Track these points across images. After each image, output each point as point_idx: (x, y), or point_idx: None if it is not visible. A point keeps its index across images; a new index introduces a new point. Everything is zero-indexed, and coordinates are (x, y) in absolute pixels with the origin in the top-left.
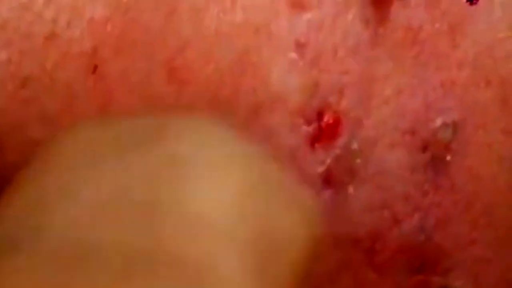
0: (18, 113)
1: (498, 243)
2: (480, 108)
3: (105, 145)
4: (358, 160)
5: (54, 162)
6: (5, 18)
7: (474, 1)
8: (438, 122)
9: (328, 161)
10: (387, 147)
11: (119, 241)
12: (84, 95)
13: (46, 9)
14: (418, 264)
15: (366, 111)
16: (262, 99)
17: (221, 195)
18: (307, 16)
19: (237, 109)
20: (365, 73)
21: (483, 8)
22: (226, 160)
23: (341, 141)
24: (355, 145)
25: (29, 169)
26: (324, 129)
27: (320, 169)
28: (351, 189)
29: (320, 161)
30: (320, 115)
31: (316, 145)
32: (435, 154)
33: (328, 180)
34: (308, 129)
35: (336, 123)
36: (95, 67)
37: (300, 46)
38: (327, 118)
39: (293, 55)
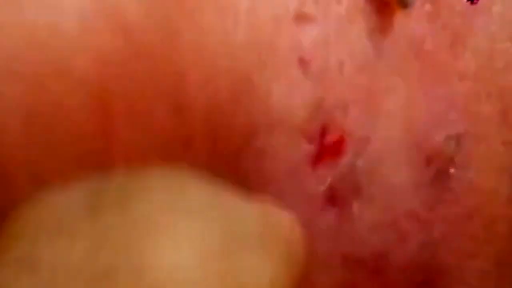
0: (26, 148)
1: (499, 256)
2: (482, 119)
3: (75, 207)
4: (363, 178)
5: (16, 236)
6: (12, 51)
7: (475, 1)
8: (442, 135)
9: (331, 179)
10: (392, 163)
11: None
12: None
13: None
14: (421, 279)
15: (371, 127)
16: (263, 118)
17: (181, 260)
18: (312, 32)
19: (236, 131)
20: (370, 88)
21: (482, 19)
22: (188, 219)
23: (345, 158)
24: (359, 163)
25: None
26: (327, 147)
27: (323, 187)
28: (355, 207)
29: (323, 179)
30: (323, 133)
31: (319, 163)
32: (439, 168)
33: (332, 198)
34: (310, 147)
35: (340, 140)
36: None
37: (303, 63)
38: (331, 136)
39: (296, 71)
